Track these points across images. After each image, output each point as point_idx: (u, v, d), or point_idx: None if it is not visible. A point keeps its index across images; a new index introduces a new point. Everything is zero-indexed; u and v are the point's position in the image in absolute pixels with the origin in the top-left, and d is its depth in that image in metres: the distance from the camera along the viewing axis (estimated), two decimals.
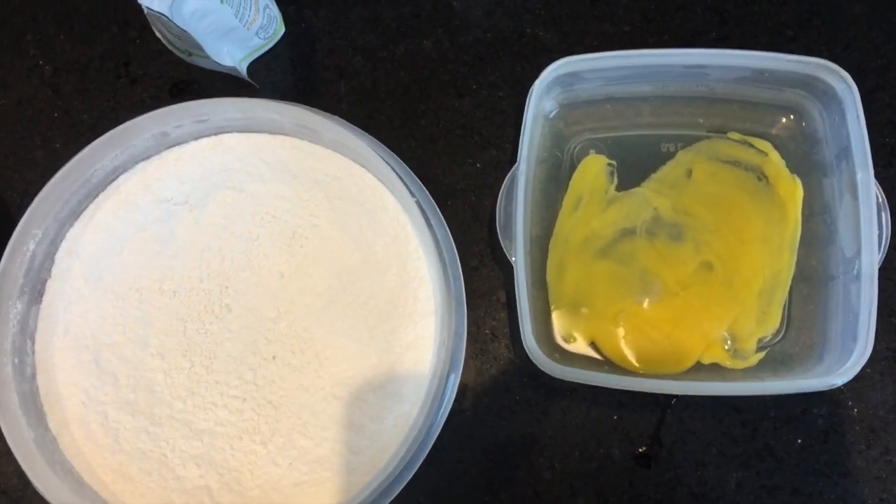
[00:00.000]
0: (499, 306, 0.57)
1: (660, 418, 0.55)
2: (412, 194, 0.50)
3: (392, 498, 0.47)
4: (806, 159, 0.57)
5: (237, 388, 0.51)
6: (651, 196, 0.56)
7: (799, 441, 0.54)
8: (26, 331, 0.52)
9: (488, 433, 0.55)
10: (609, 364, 0.54)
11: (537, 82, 0.54)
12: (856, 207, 0.52)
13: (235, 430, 0.50)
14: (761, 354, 0.54)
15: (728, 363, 0.54)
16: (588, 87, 0.57)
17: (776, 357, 0.54)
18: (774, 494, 0.54)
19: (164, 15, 0.50)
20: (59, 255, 0.54)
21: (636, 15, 0.62)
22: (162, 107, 0.53)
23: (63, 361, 0.52)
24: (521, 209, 0.52)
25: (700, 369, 0.54)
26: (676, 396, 0.55)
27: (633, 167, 0.57)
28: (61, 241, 0.54)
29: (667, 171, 0.57)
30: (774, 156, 0.57)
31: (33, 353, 0.52)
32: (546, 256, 0.56)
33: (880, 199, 0.52)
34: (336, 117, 0.52)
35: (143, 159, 0.55)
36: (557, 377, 0.51)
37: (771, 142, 0.57)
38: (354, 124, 0.53)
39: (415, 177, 0.51)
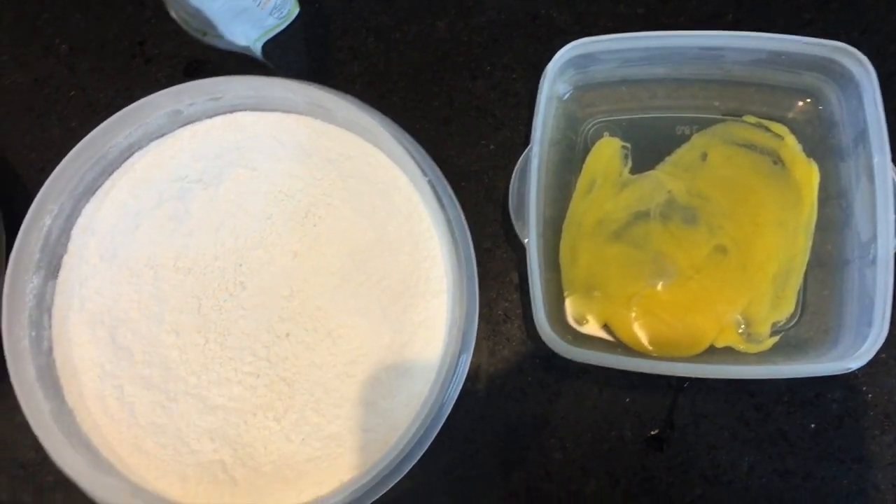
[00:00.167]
0: (511, 288, 0.57)
1: (672, 401, 0.55)
2: (425, 174, 0.50)
3: (403, 475, 0.47)
4: (822, 143, 0.56)
5: (251, 365, 0.51)
6: (665, 179, 0.56)
7: (812, 426, 0.54)
8: (43, 305, 0.52)
9: (500, 414, 0.55)
10: (622, 347, 0.54)
11: (551, 64, 0.54)
12: (872, 191, 0.52)
13: (249, 406, 0.50)
14: (775, 338, 0.54)
15: (742, 347, 0.53)
16: (602, 68, 0.57)
17: (790, 341, 0.54)
18: (787, 479, 0.54)
19: None
20: (75, 231, 0.54)
21: None
22: (173, 86, 0.53)
23: (79, 336, 0.52)
24: (534, 191, 0.52)
25: (713, 353, 0.54)
26: (689, 379, 0.55)
27: (648, 150, 0.57)
28: (77, 217, 0.54)
29: (681, 153, 0.57)
30: (790, 139, 0.56)
31: (50, 327, 0.52)
32: (559, 239, 0.56)
33: None
34: (350, 96, 0.52)
35: (158, 137, 0.56)
36: (569, 359, 0.51)
37: (787, 125, 0.57)
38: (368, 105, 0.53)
39: (428, 156, 0.51)
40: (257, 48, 0.58)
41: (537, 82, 0.54)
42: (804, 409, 0.54)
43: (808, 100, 0.57)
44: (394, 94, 0.60)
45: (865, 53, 0.53)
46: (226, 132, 0.55)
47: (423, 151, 0.51)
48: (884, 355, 0.50)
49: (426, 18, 0.62)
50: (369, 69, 0.61)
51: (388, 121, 0.51)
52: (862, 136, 0.53)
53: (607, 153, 0.57)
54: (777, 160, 0.56)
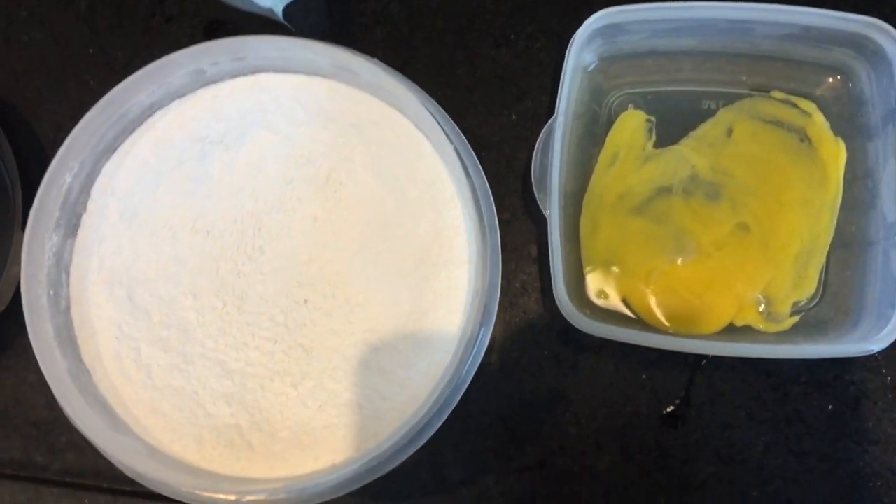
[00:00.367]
0: (530, 260, 0.57)
1: (689, 379, 0.55)
2: (451, 141, 0.49)
3: (420, 446, 0.47)
4: (850, 121, 0.55)
5: (268, 330, 0.50)
6: (689, 154, 0.55)
7: (830, 407, 0.54)
8: (61, 264, 0.52)
9: (515, 387, 0.55)
10: (640, 322, 0.54)
11: (579, 32, 0.53)
12: None
13: (266, 372, 0.50)
14: (795, 318, 0.53)
15: (761, 326, 0.53)
16: (630, 39, 0.56)
17: (810, 322, 0.53)
18: (802, 459, 0.53)
19: None
20: (95, 190, 0.53)
21: None
22: (196, 45, 0.52)
23: (97, 296, 0.52)
24: (557, 163, 0.51)
25: (732, 331, 0.53)
26: (707, 357, 0.55)
27: (672, 124, 0.56)
28: (97, 175, 0.54)
29: (706, 128, 0.56)
30: (818, 117, 0.55)
31: (68, 285, 0.52)
32: (580, 212, 0.55)
33: None
34: (375, 59, 0.51)
35: (180, 97, 0.55)
36: (587, 332, 0.50)
37: (815, 102, 0.56)
38: None
39: (454, 124, 0.50)
40: (279, 10, 0.57)
41: (562, 52, 0.53)
42: (822, 390, 0.54)
43: (838, 77, 0.56)
44: (416, 61, 0.60)
45: None
46: (248, 94, 0.54)
47: (448, 118, 0.50)
48: None
49: None
50: (392, 35, 0.60)
51: (414, 86, 0.51)
52: (892, 115, 0.52)
53: (631, 126, 0.56)
54: (804, 138, 0.55)
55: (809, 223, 0.54)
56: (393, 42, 0.60)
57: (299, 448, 0.49)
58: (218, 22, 0.61)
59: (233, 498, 0.45)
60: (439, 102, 0.52)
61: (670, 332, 0.53)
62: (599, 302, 0.54)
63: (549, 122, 0.53)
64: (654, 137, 0.56)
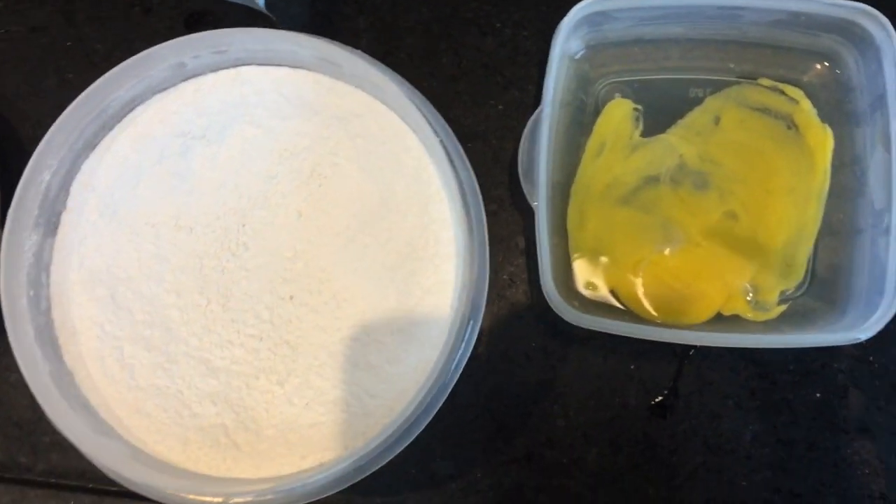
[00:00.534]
0: (517, 252, 0.56)
1: (677, 369, 0.55)
2: (436, 134, 0.49)
3: (408, 443, 0.47)
4: (838, 108, 0.55)
5: (253, 328, 0.50)
6: (677, 143, 0.55)
7: (818, 395, 0.54)
8: (41, 263, 0.51)
9: (503, 379, 0.55)
10: (628, 313, 0.54)
11: (565, 20, 0.52)
12: (888, 159, 0.51)
13: (251, 369, 0.50)
14: (783, 307, 0.53)
15: (749, 315, 0.53)
16: (617, 27, 0.55)
17: (798, 310, 0.53)
18: (790, 448, 0.53)
19: None
20: (75, 187, 0.52)
21: None
22: (177, 38, 0.51)
23: (78, 295, 0.51)
24: (544, 153, 0.51)
25: (720, 320, 0.53)
26: (695, 347, 0.55)
27: (660, 112, 0.56)
28: (76, 172, 0.53)
29: (694, 116, 0.56)
30: (806, 104, 0.55)
31: (48, 286, 0.51)
32: (567, 203, 0.55)
33: None
34: (359, 51, 0.50)
35: (160, 91, 0.54)
36: (575, 324, 0.50)
37: (803, 89, 0.55)
38: None
39: (439, 116, 0.50)
40: (260, 0, 0.56)
41: (548, 41, 0.52)
42: (809, 378, 0.54)
43: (826, 63, 0.56)
44: (400, 51, 0.59)
45: (887, 16, 0.51)
46: (230, 87, 0.54)
47: (434, 111, 0.50)
48: (892, 325, 0.49)
49: None
50: (375, 24, 0.59)
51: (399, 78, 0.50)
52: (880, 101, 0.52)
53: (618, 115, 0.56)
54: (791, 125, 0.55)
55: (797, 211, 0.54)
56: (376, 31, 0.59)
57: (286, 447, 0.49)
58: (198, 13, 0.60)
59: (219, 500, 0.45)
60: (424, 93, 0.51)
61: (659, 322, 0.53)
62: (587, 293, 0.54)
63: (536, 112, 0.52)
64: (641, 126, 0.56)
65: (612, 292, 0.54)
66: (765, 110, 0.55)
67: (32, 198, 0.50)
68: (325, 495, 0.47)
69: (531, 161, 0.52)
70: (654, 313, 0.53)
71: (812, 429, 0.54)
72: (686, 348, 0.55)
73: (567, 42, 0.54)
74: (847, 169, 0.54)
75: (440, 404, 0.47)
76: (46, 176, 0.51)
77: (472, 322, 0.47)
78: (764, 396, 0.54)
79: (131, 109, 0.54)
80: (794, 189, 0.54)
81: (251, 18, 0.58)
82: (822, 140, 0.54)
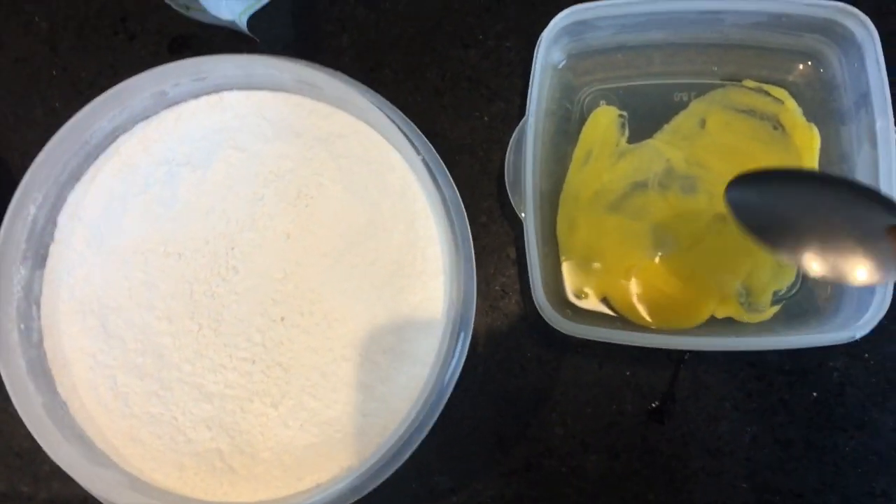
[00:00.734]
0: (509, 262, 0.57)
1: (673, 373, 0.55)
2: (418, 152, 0.49)
3: (404, 460, 0.47)
4: (823, 107, 0.55)
5: (246, 351, 0.50)
6: (663, 148, 0.55)
7: (814, 395, 0.54)
8: (31, 296, 0.51)
9: (499, 390, 0.55)
10: (621, 320, 0.54)
11: (546, 31, 0.52)
12: (875, 156, 0.51)
13: (245, 393, 0.50)
14: (776, 308, 0.53)
15: (743, 317, 0.53)
16: (598, 35, 0.56)
17: (791, 310, 0.53)
18: (788, 448, 0.53)
19: None
20: (61, 219, 0.53)
21: None
22: (161, 63, 0.51)
23: (69, 326, 0.51)
24: (530, 164, 0.51)
25: (714, 323, 0.53)
26: (690, 351, 0.54)
27: (645, 118, 0.56)
28: (62, 204, 0.53)
29: (680, 121, 0.56)
30: (791, 104, 0.55)
31: (39, 318, 0.51)
32: (556, 211, 0.55)
33: None
34: (339, 73, 0.50)
35: (143, 119, 0.54)
36: (568, 334, 0.50)
37: (787, 89, 0.56)
38: (358, 78, 0.51)
39: (421, 134, 0.50)
40: (243, 21, 0.57)
41: (531, 51, 0.53)
42: (805, 378, 0.54)
43: (809, 62, 0.56)
44: (384, 67, 0.59)
45: (867, 14, 0.51)
46: (212, 113, 0.54)
47: (416, 129, 0.50)
48: (886, 322, 0.49)
49: None
50: (359, 41, 0.59)
51: (379, 97, 0.50)
52: (864, 99, 0.52)
53: (604, 122, 0.56)
54: (777, 125, 0.55)
55: None
56: (360, 48, 0.59)
57: (282, 469, 0.49)
58: (182, 37, 0.60)
59: None
60: (409, 108, 0.52)
61: (652, 328, 0.53)
62: (579, 302, 0.54)
63: (521, 122, 0.52)
64: (627, 133, 0.56)
65: (605, 300, 0.54)
66: (750, 112, 0.55)
67: (19, 231, 0.50)
68: None
69: (517, 172, 0.52)
70: (647, 319, 0.53)
71: (810, 428, 0.54)
72: (681, 352, 0.55)
73: (550, 52, 0.54)
74: (835, 167, 0.54)
75: (435, 420, 0.47)
76: (32, 209, 0.51)
77: (462, 336, 0.47)
78: (761, 398, 0.54)
79: (114, 139, 0.54)
80: None
81: (235, 41, 0.59)
82: (809, 139, 0.54)
